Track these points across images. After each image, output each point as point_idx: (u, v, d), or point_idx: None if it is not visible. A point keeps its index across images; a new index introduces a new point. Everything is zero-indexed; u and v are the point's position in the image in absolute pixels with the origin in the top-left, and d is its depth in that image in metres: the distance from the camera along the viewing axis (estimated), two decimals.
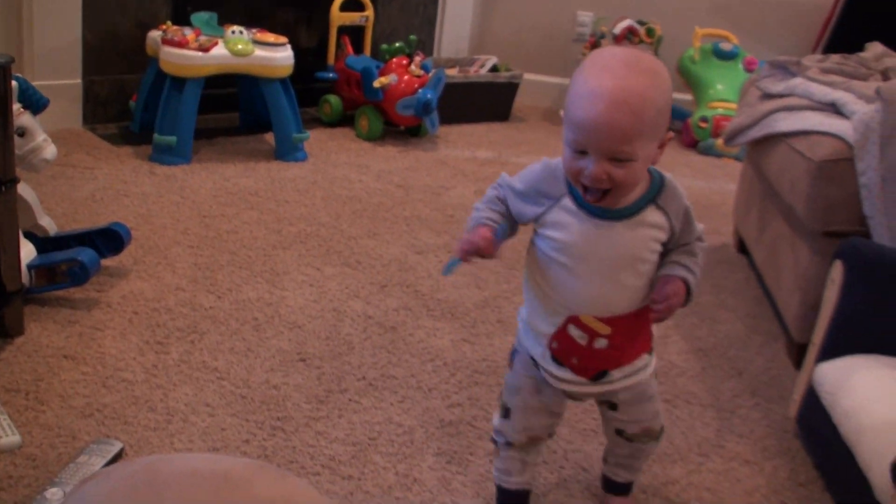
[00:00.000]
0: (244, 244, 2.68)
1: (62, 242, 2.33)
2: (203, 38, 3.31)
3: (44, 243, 2.28)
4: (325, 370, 2.06)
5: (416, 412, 1.94)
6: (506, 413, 1.57)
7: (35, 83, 2.50)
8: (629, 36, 4.42)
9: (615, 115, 1.25)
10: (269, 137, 3.65)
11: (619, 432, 1.60)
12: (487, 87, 4.41)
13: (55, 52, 3.47)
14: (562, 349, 1.46)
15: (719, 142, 4.12)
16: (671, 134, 1.34)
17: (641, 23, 4.45)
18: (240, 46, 3.32)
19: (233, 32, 3.37)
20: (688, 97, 4.55)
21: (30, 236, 2.25)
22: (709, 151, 4.25)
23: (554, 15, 4.85)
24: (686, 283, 1.40)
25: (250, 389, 1.95)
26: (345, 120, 4.08)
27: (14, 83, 2.03)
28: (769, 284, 2.57)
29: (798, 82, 2.55)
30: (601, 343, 1.43)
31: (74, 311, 2.20)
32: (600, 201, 1.33)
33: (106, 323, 2.16)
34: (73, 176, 3.09)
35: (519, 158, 3.87)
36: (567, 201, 1.38)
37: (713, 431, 1.98)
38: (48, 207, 2.70)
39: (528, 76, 4.60)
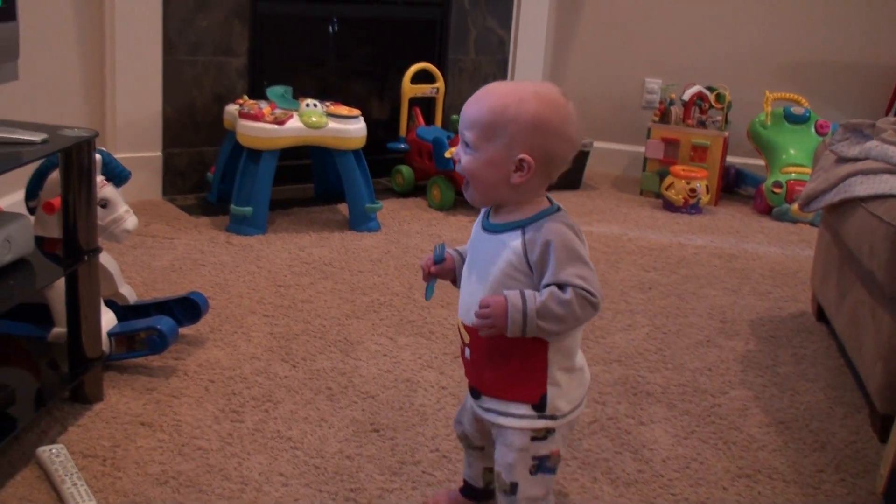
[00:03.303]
0: (319, 314, 2.70)
1: (142, 311, 2.37)
2: (278, 112, 3.39)
3: (124, 311, 2.33)
4: (399, 441, 2.05)
5: None
6: None
7: (117, 156, 2.59)
8: (698, 102, 4.41)
9: (473, 104, 1.49)
10: (343, 208, 3.70)
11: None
12: None
13: (136, 126, 3.59)
14: (460, 347, 1.60)
15: (794, 207, 4.06)
16: (533, 164, 1.44)
17: (711, 89, 4.44)
18: (314, 119, 3.39)
19: (307, 105, 3.45)
20: (760, 163, 4.51)
21: (110, 304, 2.30)
22: (783, 217, 4.19)
23: (623, 83, 4.87)
24: (507, 300, 1.43)
25: (324, 459, 1.95)
26: (417, 190, 4.12)
27: (98, 156, 2.10)
28: (851, 353, 2.51)
29: (874, 145, 2.51)
30: (468, 352, 1.57)
31: (152, 378, 2.24)
32: (465, 192, 1.53)
33: (183, 391, 2.19)
34: (152, 246, 3.17)
35: (590, 227, 3.86)
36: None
37: None
38: (128, 276, 2.77)
39: (598, 144, 4.61)
